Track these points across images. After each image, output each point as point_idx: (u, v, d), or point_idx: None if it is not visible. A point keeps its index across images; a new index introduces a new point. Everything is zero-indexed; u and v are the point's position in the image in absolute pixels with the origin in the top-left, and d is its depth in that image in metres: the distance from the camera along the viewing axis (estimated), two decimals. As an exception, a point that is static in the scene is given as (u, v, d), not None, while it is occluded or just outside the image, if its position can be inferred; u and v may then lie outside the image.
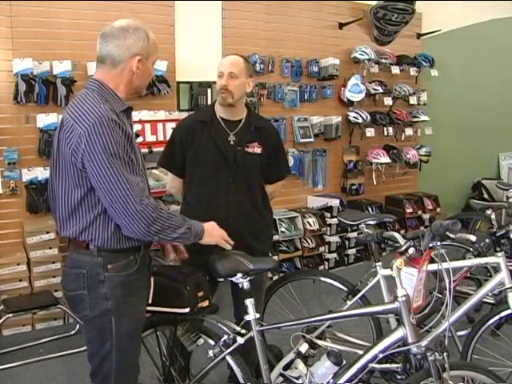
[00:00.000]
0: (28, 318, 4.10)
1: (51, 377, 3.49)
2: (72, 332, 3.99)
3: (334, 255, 5.77)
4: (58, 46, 4.33)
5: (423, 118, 6.55)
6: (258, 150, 2.94)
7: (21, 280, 4.12)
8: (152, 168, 4.49)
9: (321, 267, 5.62)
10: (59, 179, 2.06)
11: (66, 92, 4.25)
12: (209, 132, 2.89)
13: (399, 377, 2.66)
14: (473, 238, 2.74)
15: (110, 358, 2.10)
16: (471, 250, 3.90)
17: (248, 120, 2.97)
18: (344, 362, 2.45)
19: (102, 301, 2.05)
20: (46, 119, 4.25)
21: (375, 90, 6.13)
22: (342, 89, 5.95)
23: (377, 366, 2.36)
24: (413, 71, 6.48)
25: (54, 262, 4.20)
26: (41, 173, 4.26)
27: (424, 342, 2.24)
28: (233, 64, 2.87)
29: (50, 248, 4.20)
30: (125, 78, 2.09)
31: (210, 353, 2.43)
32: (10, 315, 3.74)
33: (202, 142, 2.89)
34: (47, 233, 4.16)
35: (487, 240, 3.89)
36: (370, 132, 6.14)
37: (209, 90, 4.97)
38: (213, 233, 2.28)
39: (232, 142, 2.90)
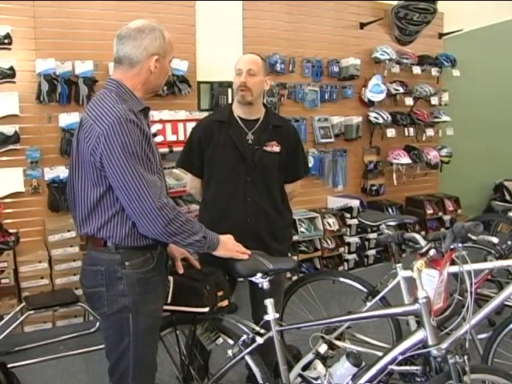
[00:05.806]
0: (49, 315, 4.14)
1: (71, 373, 3.52)
2: (92, 329, 4.02)
3: (354, 256, 5.75)
4: (80, 47, 4.38)
5: (444, 118, 6.49)
6: (277, 149, 2.91)
7: (42, 277, 4.17)
8: (172, 167, 4.51)
9: (340, 268, 5.60)
10: (78, 178, 2.08)
11: (88, 92, 4.30)
12: (227, 131, 2.88)
13: (419, 379, 2.62)
14: (495, 240, 2.72)
15: (128, 355, 2.11)
16: (493, 252, 3.85)
17: (266, 119, 2.94)
18: (363, 364, 2.43)
19: (119, 298, 2.06)
20: (68, 119, 4.30)
21: (396, 90, 6.10)
22: (363, 89, 5.93)
23: (396, 367, 2.34)
24: (434, 71, 6.44)
25: (74, 260, 4.24)
26: (63, 172, 4.30)
27: (444, 345, 2.22)
28: (251, 61, 2.85)
29: (71, 246, 4.24)
30: (143, 78, 2.10)
31: (229, 352, 2.43)
32: (32, 312, 3.79)
33: (220, 141, 2.88)
34: (68, 231, 4.20)
35: (509, 242, 3.86)
36: (390, 132, 6.12)
37: (229, 90, 4.98)
38: (228, 246, 2.26)
39: (250, 141, 2.88)
